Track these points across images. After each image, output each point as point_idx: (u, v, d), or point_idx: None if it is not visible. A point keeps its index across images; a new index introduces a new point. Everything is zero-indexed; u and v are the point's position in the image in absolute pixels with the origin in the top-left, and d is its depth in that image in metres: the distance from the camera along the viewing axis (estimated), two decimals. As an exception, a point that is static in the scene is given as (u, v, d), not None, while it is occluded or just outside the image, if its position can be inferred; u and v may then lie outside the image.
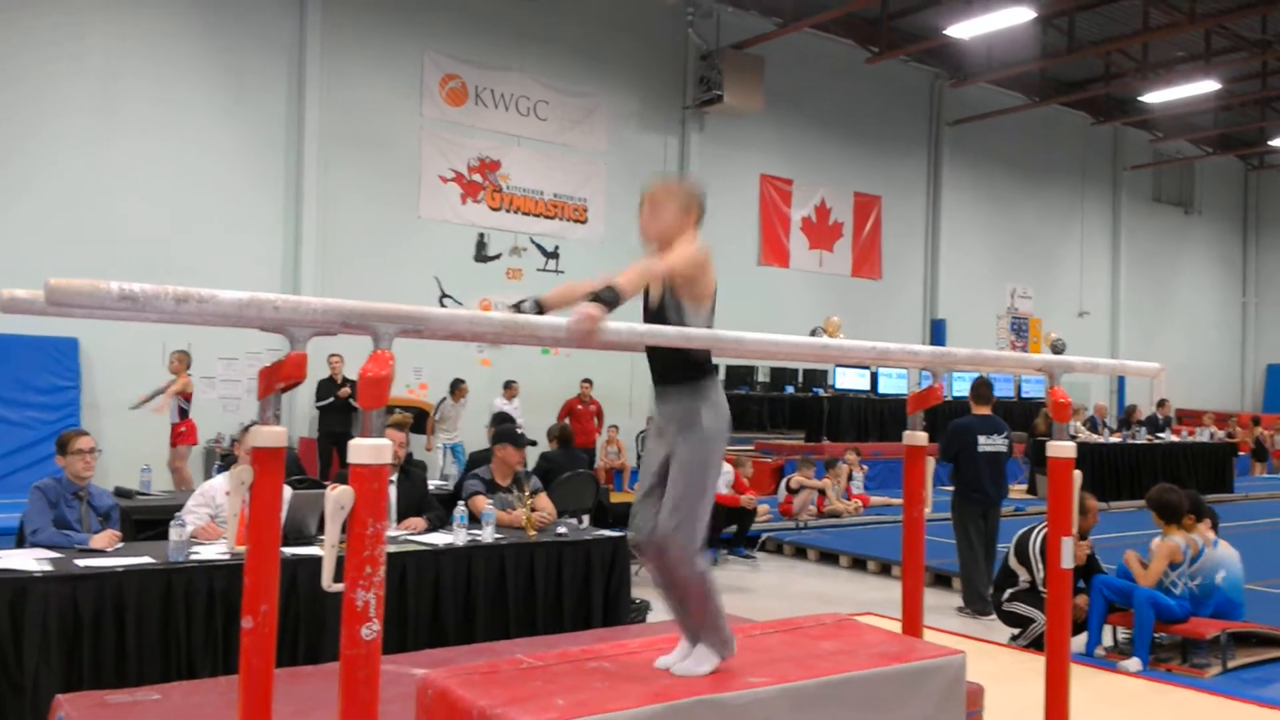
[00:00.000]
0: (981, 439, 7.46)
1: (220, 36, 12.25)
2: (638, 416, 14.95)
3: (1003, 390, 16.83)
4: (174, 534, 4.66)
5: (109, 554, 4.70)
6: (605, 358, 13.22)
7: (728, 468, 9.75)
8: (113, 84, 11.59)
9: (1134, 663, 5.92)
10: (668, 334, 2.79)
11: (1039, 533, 6.42)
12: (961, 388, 16.36)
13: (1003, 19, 14.57)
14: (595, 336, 2.51)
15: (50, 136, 11.20)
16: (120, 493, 6.68)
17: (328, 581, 2.11)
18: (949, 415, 15.48)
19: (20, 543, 5.22)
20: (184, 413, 10.46)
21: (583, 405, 13.53)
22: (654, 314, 2.98)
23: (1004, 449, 7.46)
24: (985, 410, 7.64)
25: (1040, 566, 6.20)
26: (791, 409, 16.46)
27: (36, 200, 11.06)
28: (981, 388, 7.76)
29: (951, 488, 7.65)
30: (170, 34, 11.95)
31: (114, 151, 11.56)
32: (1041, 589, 5.88)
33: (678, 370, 2.93)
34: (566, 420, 12.51)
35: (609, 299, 2.54)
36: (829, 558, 9.60)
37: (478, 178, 14.24)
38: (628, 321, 2.73)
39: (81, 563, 4.47)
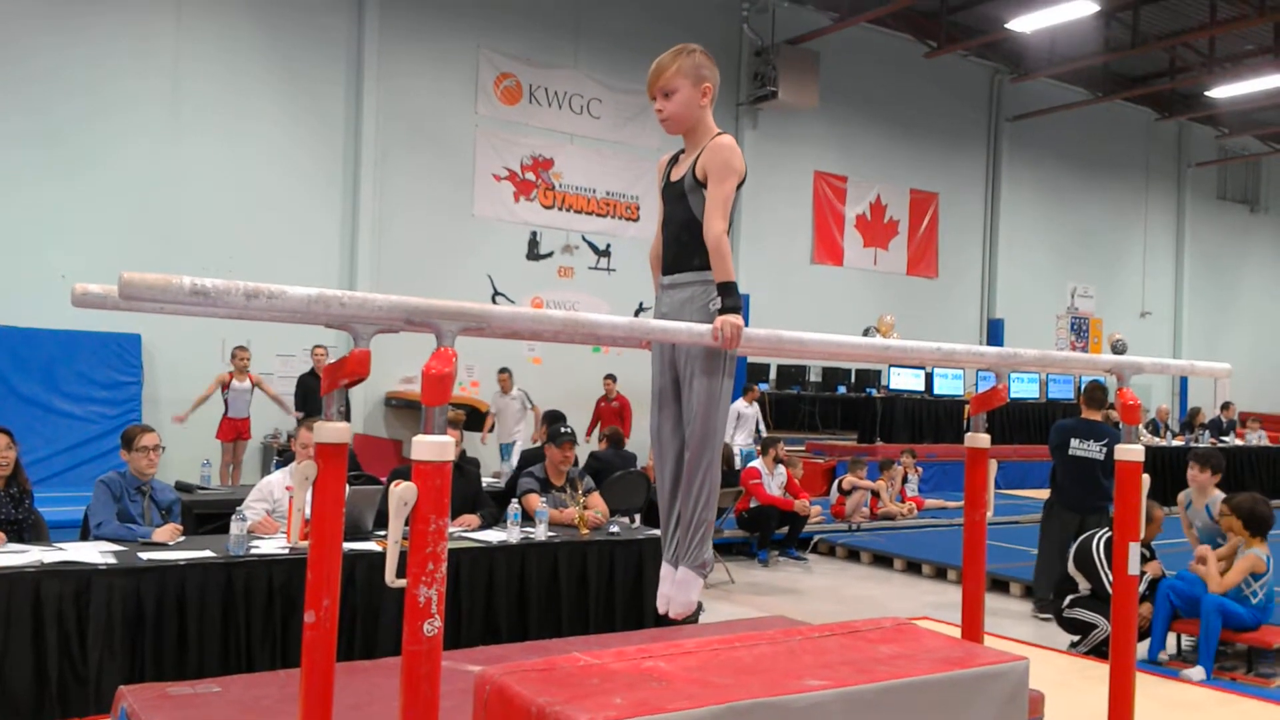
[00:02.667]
0: (1074, 442, 7.33)
1: (281, 37, 12.42)
2: (689, 415, 14.91)
3: (1028, 392, 16.49)
4: (234, 528, 4.73)
5: (170, 547, 4.78)
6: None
7: (780, 468, 9.68)
8: (181, 83, 11.81)
9: (1198, 671, 5.79)
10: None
11: (1101, 538, 6.30)
12: (1019, 389, 16.18)
13: (1065, 12, 14.34)
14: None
15: (119, 135, 11.44)
16: (181, 487, 6.80)
17: (391, 577, 2.11)
18: (1005, 416, 15.35)
19: (85, 535, 5.34)
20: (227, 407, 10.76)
21: (606, 403, 13.20)
22: (674, 188, 2.96)
23: (1097, 456, 7.27)
24: (1095, 415, 7.50)
25: (1105, 572, 6.08)
26: (844, 409, 16.33)
27: (103, 196, 11.30)
28: (1094, 391, 7.61)
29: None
30: (234, 34, 12.13)
31: (180, 149, 11.78)
32: (1107, 593, 5.79)
33: (698, 256, 2.85)
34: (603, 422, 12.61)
35: (737, 304, 2.75)
36: (883, 561, 9.50)
37: (531, 176, 14.29)
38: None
39: (144, 555, 4.55)
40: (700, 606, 6.67)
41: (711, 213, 2.81)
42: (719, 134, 2.91)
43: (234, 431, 10.79)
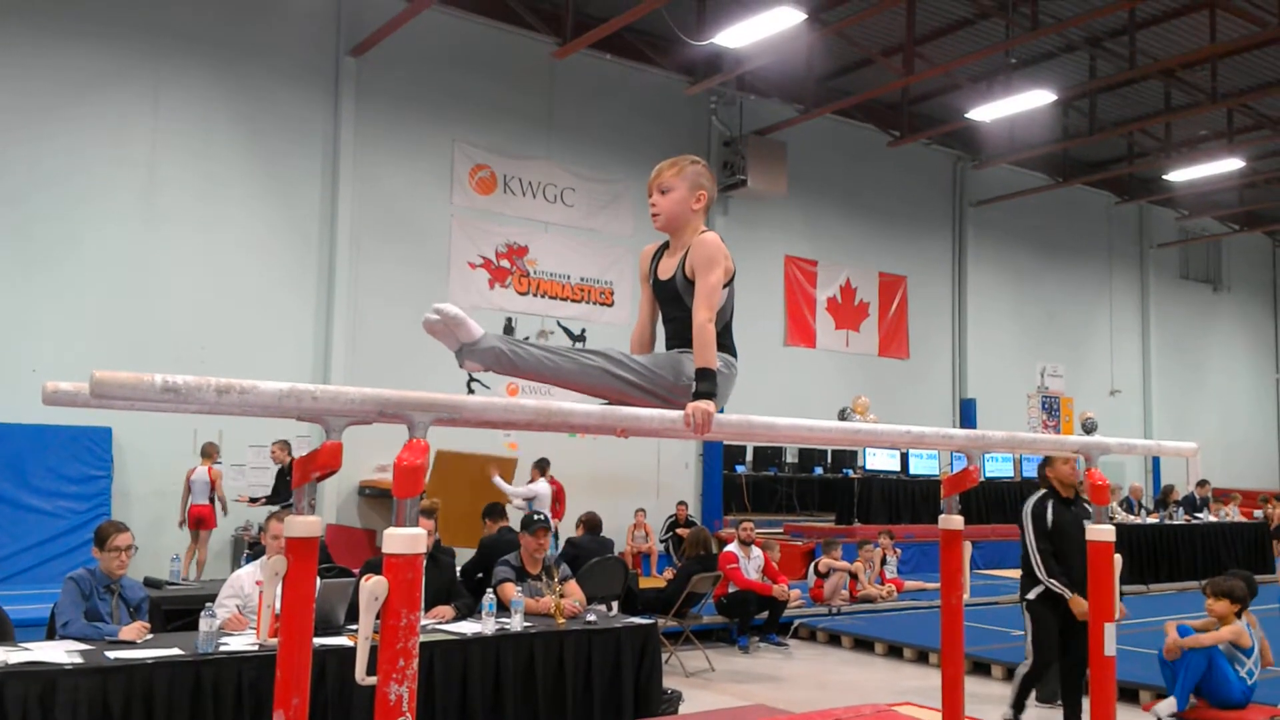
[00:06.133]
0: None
1: (257, 127, 12.58)
2: (665, 499, 14.86)
3: (1002, 470, 16.44)
4: (204, 625, 4.64)
5: (138, 646, 4.69)
6: (629, 440, 13.14)
7: (757, 551, 9.63)
8: (156, 172, 11.90)
9: (1169, 704, 5.75)
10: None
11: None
12: (993, 468, 16.24)
13: (1023, 102, 14.74)
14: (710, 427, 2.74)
15: (92, 225, 11.45)
16: (150, 583, 6.69)
17: (361, 675, 2.09)
18: (980, 496, 15.37)
19: (51, 634, 5.23)
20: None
21: None
22: (665, 286, 3.08)
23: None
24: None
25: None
26: (821, 490, 16.32)
27: (75, 286, 11.28)
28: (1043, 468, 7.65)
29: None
30: (210, 123, 12.27)
31: (154, 238, 11.81)
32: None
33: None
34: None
35: (711, 390, 2.79)
36: (864, 644, 9.40)
37: (506, 263, 14.42)
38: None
39: (111, 655, 4.45)
40: (679, 695, 6.58)
41: (698, 303, 2.92)
42: (704, 231, 3.04)
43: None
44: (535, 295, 14.63)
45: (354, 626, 5.15)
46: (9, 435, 10.60)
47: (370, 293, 13.17)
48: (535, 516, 6.47)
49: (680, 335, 3.05)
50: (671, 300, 3.07)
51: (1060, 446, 4.29)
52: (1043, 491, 6.10)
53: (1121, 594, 4.58)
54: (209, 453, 11.07)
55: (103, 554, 5.08)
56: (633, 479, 14.40)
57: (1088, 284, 21.59)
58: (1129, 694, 6.74)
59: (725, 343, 2.98)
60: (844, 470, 15.96)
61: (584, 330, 14.95)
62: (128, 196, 11.74)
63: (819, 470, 16.38)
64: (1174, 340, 23.00)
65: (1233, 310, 24.57)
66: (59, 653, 4.42)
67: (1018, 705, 6.10)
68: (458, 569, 7.15)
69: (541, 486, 12.30)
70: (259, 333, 12.27)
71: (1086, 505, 5.93)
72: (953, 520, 3.62)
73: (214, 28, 12.35)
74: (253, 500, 11.35)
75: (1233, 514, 16.19)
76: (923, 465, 15.76)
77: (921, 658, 8.79)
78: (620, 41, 14.49)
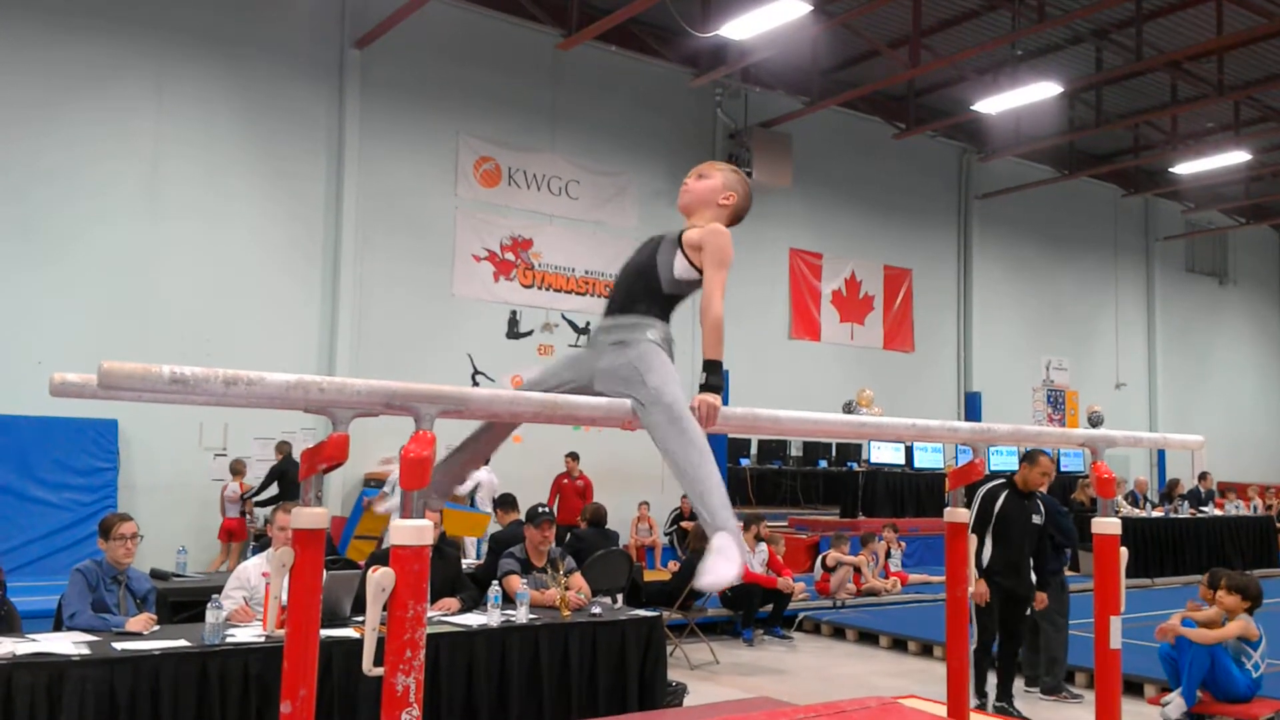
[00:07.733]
0: None
1: (261, 120, 12.58)
2: (670, 493, 14.85)
3: (1007, 464, 16.15)
4: (210, 616, 4.65)
5: (145, 637, 4.70)
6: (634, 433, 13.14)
7: (761, 545, 9.63)
8: (160, 165, 11.91)
9: (1178, 703, 5.74)
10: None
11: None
12: (997, 461, 16.19)
13: (1029, 94, 14.70)
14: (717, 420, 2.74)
15: (97, 218, 11.47)
16: (156, 574, 6.70)
17: (368, 665, 2.09)
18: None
19: (58, 625, 5.25)
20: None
21: (569, 480, 13.08)
22: (653, 240, 3.14)
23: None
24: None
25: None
26: (825, 483, 16.30)
27: (80, 279, 11.30)
28: None
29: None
30: (214, 117, 12.27)
31: (158, 232, 11.83)
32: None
33: (643, 302, 2.96)
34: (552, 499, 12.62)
35: (717, 384, 2.79)
36: (868, 638, 9.41)
37: (510, 256, 14.42)
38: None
39: (118, 646, 4.47)
40: (684, 687, 6.59)
41: (711, 294, 2.90)
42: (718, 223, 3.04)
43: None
44: (540, 288, 14.63)
45: (360, 618, 5.16)
46: (15, 427, 10.63)
47: (375, 285, 13.18)
48: (541, 509, 6.47)
49: (624, 306, 3.02)
50: (648, 246, 3.08)
51: (1067, 440, 4.28)
52: (1001, 480, 6.54)
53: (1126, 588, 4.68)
54: (238, 469, 11.30)
55: (108, 543, 5.10)
56: (637, 472, 14.36)
57: (1093, 277, 21.54)
58: (1134, 687, 6.74)
59: (669, 316, 3.00)
60: (848, 463, 15.95)
61: (588, 323, 14.95)
62: (132, 190, 11.75)
63: (823, 463, 16.37)
64: (1180, 334, 22.95)
65: (1239, 304, 24.50)
66: (66, 644, 4.43)
67: (986, 690, 6.31)
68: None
69: (482, 474, 12.37)
70: (264, 325, 12.29)
71: (1040, 502, 6.54)
72: (958, 513, 3.62)
73: (217, 21, 12.34)
74: (253, 501, 11.42)
75: (1252, 508, 16.13)
76: (927, 458, 15.75)
77: (926, 651, 8.80)
78: (625, 33, 14.46)
